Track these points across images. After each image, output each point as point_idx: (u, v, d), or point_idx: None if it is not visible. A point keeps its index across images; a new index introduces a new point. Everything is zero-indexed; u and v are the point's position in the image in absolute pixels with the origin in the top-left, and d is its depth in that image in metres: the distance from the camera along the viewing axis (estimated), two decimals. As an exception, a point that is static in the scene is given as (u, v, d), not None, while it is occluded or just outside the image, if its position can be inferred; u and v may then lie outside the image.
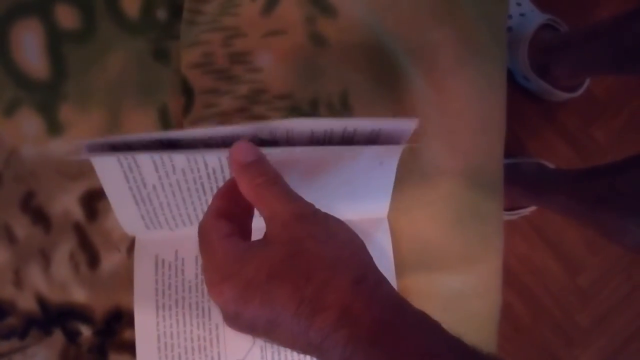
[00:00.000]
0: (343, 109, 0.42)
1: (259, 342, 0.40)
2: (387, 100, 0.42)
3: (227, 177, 0.36)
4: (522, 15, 0.94)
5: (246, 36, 0.40)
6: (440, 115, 0.43)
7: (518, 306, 1.04)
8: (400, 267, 0.43)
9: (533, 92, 0.97)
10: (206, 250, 0.28)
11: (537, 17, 0.92)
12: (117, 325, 0.41)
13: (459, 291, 0.44)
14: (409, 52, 0.42)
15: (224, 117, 0.40)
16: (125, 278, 0.40)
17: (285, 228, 0.27)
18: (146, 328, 0.40)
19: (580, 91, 0.97)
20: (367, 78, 0.42)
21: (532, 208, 0.99)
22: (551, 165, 0.96)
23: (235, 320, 0.27)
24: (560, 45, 0.89)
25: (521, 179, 0.91)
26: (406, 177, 0.42)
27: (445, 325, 0.44)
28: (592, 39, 0.84)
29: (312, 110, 0.41)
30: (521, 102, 0.99)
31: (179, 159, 0.34)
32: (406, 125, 0.35)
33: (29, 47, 0.39)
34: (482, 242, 0.44)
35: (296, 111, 0.41)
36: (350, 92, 0.42)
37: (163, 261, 0.40)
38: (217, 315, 0.40)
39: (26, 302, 0.40)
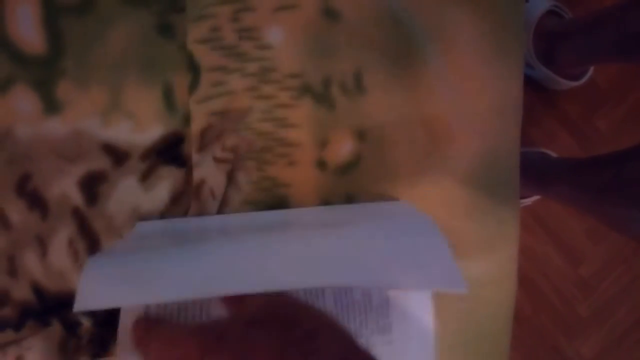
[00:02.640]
0: (357, 89, 0.40)
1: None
2: (402, 80, 0.40)
3: None
4: (526, 1, 0.92)
5: (255, 10, 0.38)
6: (457, 95, 0.41)
7: (519, 296, 1.03)
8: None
9: (536, 80, 0.96)
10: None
11: (542, 4, 0.91)
12: (119, 316, 0.39)
13: (476, 279, 0.43)
14: (426, 30, 0.40)
15: (232, 96, 0.38)
16: (128, 266, 0.38)
17: None
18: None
19: (584, 80, 0.95)
20: (383, 56, 0.40)
21: (535, 198, 0.97)
22: (554, 155, 0.95)
23: None
24: (565, 31, 0.87)
25: (524, 168, 0.89)
26: (422, 160, 0.40)
27: (461, 313, 0.43)
28: (598, 25, 0.82)
29: (324, 90, 0.39)
30: (524, 90, 0.98)
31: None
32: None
33: (24, 20, 0.37)
34: (499, 228, 0.43)
35: (308, 91, 0.39)
36: (364, 71, 0.40)
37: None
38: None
39: (21, 292, 0.38)
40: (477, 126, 0.42)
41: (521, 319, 1.04)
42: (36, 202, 0.37)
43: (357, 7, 0.39)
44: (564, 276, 1.05)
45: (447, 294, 0.43)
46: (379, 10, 0.39)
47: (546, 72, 0.92)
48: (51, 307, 0.38)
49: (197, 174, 0.38)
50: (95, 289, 0.29)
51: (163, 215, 0.39)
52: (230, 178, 0.39)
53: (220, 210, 0.39)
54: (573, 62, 0.90)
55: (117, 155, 0.38)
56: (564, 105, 1.01)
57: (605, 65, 1.00)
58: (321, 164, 0.40)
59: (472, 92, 0.42)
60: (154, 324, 0.31)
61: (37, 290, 0.38)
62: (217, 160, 0.38)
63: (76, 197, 0.38)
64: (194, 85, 0.38)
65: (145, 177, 0.38)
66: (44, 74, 0.37)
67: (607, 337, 1.06)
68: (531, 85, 0.98)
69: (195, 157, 0.38)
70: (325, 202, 0.40)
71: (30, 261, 0.38)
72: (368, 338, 0.36)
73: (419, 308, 0.37)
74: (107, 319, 0.38)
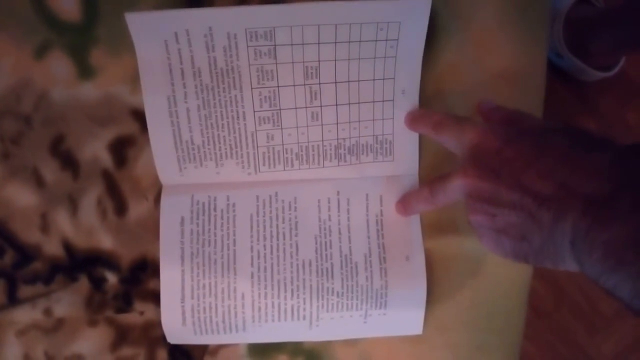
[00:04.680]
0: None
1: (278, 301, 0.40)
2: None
3: None
4: (557, -11, 0.91)
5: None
6: (479, 70, 0.41)
7: (541, 291, 1.02)
8: (428, 229, 0.42)
9: (565, 70, 0.95)
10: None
11: (573, -8, 0.89)
12: (142, 274, 0.40)
13: (491, 257, 0.43)
14: (445, 4, 0.41)
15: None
16: (152, 227, 0.40)
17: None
18: (171, 279, 0.39)
19: (615, 71, 0.94)
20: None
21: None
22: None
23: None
24: (596, 20, 0.86)
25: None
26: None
27: (473, 290, 0.43)
28: (631, 15, 0.81)
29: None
30: (552, 80, 0.97)
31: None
32: None
33: (62, -11, 0.39)
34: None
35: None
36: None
37: (190, 216, 0.40)
38: (245, 270, 0.40)
39: (52, 247, 0.40)
40: (499, 101, 0.42)
41: (542, 314, 1.03)
42: (69, 162, 0.39)
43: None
44: (588, 272, 1.03)
45: (455, 270, 0.43)
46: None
47: (576, 62, 0.90)
48: (79, 263, 0.40)
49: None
50: None
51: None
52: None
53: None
54: (604, 52, 0.89)
55: (146, 120, 0.39)
56: (593, 97, 0.99)
57: (637, 56, 0.98)
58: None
59: (495, 67, 0.42)
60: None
61: (67, 246, 0.40)
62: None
63: (106, 159, 0.40)
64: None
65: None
66: (78, 41, 0.38)
67: (629, 335, 1.04)
68: (560, 75, 0.96)
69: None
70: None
71: (62, 218, 0.40)
72: (367, 310, 0.41)
73: (413, 286, 0.41)
74: (132, 277, 0.40)
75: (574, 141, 0.29)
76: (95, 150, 0.40)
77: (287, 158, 0.40)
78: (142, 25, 0.35)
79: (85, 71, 0.39)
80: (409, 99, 0.40)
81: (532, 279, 0.45)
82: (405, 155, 0.41)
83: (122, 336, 0.41)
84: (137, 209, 0.40)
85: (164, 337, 0.40)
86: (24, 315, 0.40)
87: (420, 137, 0.42)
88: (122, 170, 0.40)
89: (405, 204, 0.41)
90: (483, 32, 0.41)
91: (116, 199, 0.40)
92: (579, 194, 0.27)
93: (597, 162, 0.27)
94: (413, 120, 0.40)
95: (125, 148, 0.40)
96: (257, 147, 0.40)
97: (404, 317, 0.42)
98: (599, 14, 0.88)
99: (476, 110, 0.36)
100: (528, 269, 0.44)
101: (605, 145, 0.28)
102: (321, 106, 0.39)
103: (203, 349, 0.42)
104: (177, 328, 0.39)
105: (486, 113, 0.36)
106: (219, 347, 0.42)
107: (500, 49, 0.41)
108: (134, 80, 0.39)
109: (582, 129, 0.30)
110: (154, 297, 0.40)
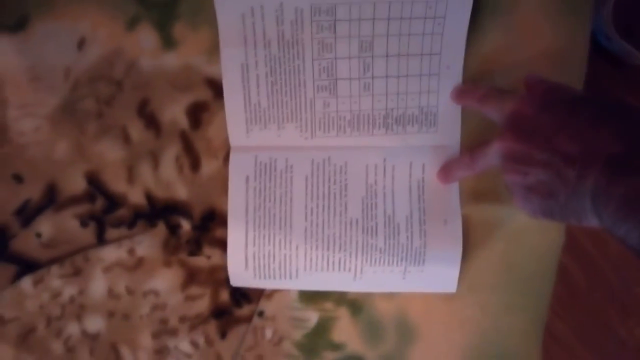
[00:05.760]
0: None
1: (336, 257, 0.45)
2: (468, 36, 0.44)
3: None
4: (611, -28, 0.90)
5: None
6: (521, 50, 0.44)
7: (574, 270, 1.04)
8: (466, 196, 0.46)
9: (614, 54, 0.94)
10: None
11: (627, -25, 0.88)
12: (211, 223, 0.46)
13: (524, 225, 0.46)
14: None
15: None
16: (221, 183, 0.45)
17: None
18: (237, 228, 0.45)
19: (666, 56, 0.92)
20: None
21: None
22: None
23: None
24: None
25: None
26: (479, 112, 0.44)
27: (505, 254, 0.47)
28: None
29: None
30: (599, 64, 0.96)
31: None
32: None
33: (150, -30, 0.44)
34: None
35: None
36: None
37: (254, 175, 0.45)
38: (300, 224, 0.45)
39: (136, 197, 0.46)
40: None
41: (575, 294, 1.05)
42: (152, 122, 0.45)
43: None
44: (624, 254, 1.04)
45: (489, 235, 0.47)
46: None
47: (625, 46, 0.90)
48: (158, 211, 0.46)
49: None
50: None
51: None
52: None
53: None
54: (655, 36, 0.88)
55: (219, 88, 0.44)
56: (642, 82, 0.98)
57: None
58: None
59: (538, 51, 0.44)
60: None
61: (149, 196, 0.46)
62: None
63: (183, 122, 0.45)
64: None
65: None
66: (164, 15, 0.44)
67: (664, 321, 1.05)
68: (609, 59, 0.96)
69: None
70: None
71: (145, 172, 0.46)
72: (406, 267, 0.45)
73: (450, 247, 0.46)
74: (202, 225, 0.46)
75: (603, 108, 0.32)
76: (174, 113, 0.45)
77: (340, 125, 0.45)
78: (225, 1, 0.41)
79: (168, 43, 0.44)
80: (453, 74, 0.44)
81: (566, 257, 0.48)
82: (448, 126, 0.45)
83: (191, 277, 0.47)
84: (208, 166, 0.46)
85: (227, 280, 0.46)
86: (110, 253, 0.46)
87: (462, 110, 0.45)
88: (197, 131, 0.45)
89: (446, 171, 0.45)
90: (527, 13, 0.44)
91: (191, 156, 0.46)
92: (601, 154, 0.30)
93: (620, 126, 0.31)
94: (460, 93, 0.44)
95: (200, 112, 0.45)
96: (315, 112, 0.44)
97: (440, 275, 0.46)
98: (653, -3, 0.87)
99: (523, 82, 0.40)
100: (559, 239, 0.47)
101: (631, 112, 0.32)
102: (373, 77, 0.43)
103: (260, 292, 0.47)
104: (239, 271, 0.45)
105: (530, 85, 0.39)
106: (274, 292, 0.47)
107: (544, 30, 0.44)
108: (210, 52, 0.44)
109: (613, 99, 0.34)
110: (220, 244, 0.46)
